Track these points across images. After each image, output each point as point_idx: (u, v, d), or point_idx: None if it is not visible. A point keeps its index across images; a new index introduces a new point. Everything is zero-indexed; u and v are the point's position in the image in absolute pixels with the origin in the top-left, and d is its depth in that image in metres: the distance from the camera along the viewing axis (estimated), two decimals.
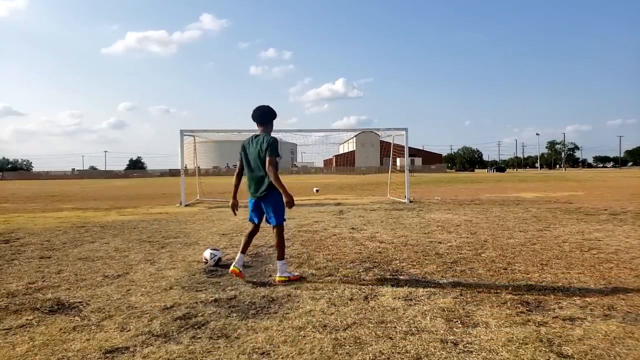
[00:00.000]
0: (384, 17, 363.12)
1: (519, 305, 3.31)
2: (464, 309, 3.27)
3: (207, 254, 4.83)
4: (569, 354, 2.48)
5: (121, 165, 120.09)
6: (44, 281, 4.24)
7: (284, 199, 3.97)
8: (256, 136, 4.18)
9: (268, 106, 4.26)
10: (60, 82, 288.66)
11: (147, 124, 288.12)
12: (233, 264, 4.19)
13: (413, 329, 2.87)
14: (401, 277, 4.20)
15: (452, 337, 2.74)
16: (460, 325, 2.93)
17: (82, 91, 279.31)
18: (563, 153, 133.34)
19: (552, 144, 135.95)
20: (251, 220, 4.28)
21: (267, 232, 7.35)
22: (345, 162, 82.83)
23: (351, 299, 3.53)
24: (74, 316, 3.23)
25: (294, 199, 4.07)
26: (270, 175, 3.94)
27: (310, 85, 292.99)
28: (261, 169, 4.05)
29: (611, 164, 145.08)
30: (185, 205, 12.88)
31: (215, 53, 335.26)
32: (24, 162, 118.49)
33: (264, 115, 4.22)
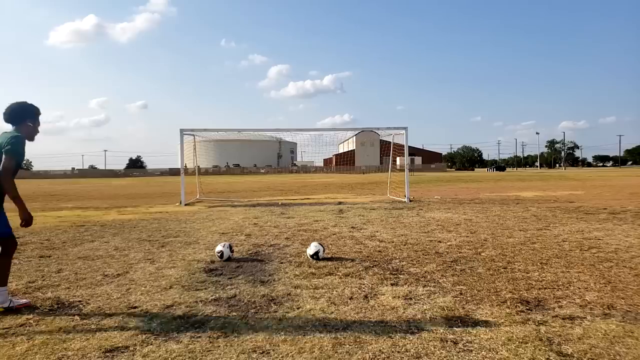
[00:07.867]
0: (382, 13, 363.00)
1: (519, 304, 3.31)
2: (463, 308, 3.27)
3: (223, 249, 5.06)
4: (569, 353, 2.48)
5: (121, 165, 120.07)
6: (43, 280, 4.24)
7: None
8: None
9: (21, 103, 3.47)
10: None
11: (127, 120, 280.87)
12: None
13: (413, 328, 2.88)
14: (401, 276, 4.20)
15: (451, 336, 2.74)
16: (460, 324, 2.93)
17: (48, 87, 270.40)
18: (563, 152, 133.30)
19: (551, 143, 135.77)
20: None
21: (267, 231, 7.35)
22: (345, 161, 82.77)
23: (351, 298, 3.53)
24: (74, 315, 3.23)
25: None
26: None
27: (298, 79, 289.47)
28: None
29: (611, 163, 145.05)
30: (185, 205, 12.88)
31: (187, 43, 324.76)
32: (24, 161, 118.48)
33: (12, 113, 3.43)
